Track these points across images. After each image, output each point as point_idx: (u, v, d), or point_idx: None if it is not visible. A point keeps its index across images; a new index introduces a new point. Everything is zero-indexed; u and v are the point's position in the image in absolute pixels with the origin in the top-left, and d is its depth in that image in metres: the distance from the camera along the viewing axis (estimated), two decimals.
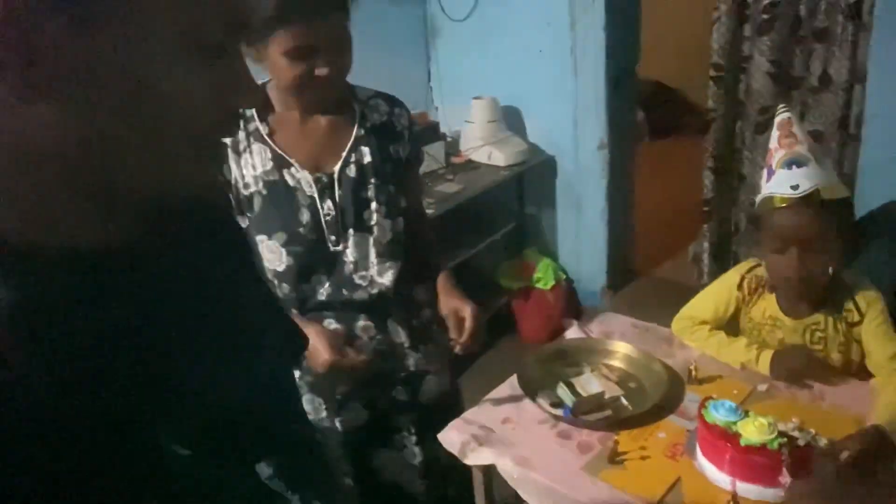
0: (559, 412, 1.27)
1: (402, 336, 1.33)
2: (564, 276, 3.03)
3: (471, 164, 2.82)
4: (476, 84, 2.95)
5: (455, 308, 1.27)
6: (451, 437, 1.27)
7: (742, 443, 1.05)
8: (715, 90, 2.64)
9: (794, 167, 1.25)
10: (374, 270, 1.27)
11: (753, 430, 1.05)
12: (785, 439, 1.04)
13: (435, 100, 3.23)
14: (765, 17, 2.43)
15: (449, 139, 2.99)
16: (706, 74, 2.65)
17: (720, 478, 1.08)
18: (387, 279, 1.28)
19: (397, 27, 2.90)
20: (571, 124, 2.89)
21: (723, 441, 1.07)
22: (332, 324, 1.27)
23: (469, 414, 1.32)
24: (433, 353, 1.37)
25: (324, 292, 1.26)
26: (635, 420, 1.24)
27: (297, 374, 1.27)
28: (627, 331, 1.56)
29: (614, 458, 1.16)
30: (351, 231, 1.25)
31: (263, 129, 1.22)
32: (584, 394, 1.28)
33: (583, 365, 1.42)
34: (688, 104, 4.93)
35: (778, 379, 1.31)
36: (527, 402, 1.31)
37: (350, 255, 1.25)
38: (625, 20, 2.76)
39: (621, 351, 1.43)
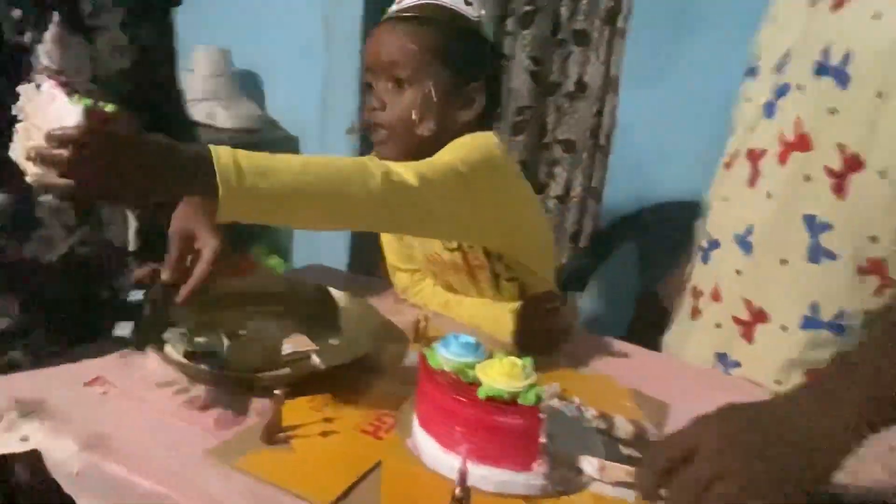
0: (200, 367, 0.75)
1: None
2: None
3: None
4: (211, 40, 2.41)
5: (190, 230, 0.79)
6: None
7: (481, 394, 0.62)
8: None
9: None
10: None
11: (500, 375, 0.63)
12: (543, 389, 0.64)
13: None
14: (527, 8, 2.29)
15: None
16: None
17: (444, 460, 0.64)
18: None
19: None
20: (319, 101, 2.47)
21: (452, 396, 0.64)
22: None
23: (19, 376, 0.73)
24: None
25: None
26: (325, 384, 0.77)
27: None
28: (340, 281, 1.11)
29: (273, 433, 0.66)
30: (55, 17, 0.78)
31: None
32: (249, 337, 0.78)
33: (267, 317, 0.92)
34: None
35: (523, 350, 0.93)
36: (143, 359, 0.76)
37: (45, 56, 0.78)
38: None
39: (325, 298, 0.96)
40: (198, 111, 2.23)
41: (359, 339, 0.87)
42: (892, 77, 0.78)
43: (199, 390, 0.73)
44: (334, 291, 0.97)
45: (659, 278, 1.30)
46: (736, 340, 0.96)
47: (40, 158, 0.57)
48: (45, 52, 0.80)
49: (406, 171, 0.76)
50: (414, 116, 0.90)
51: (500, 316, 0.95)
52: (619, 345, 0.99)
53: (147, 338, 0.79)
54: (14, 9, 0.78)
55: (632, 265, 1.97)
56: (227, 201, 0.61)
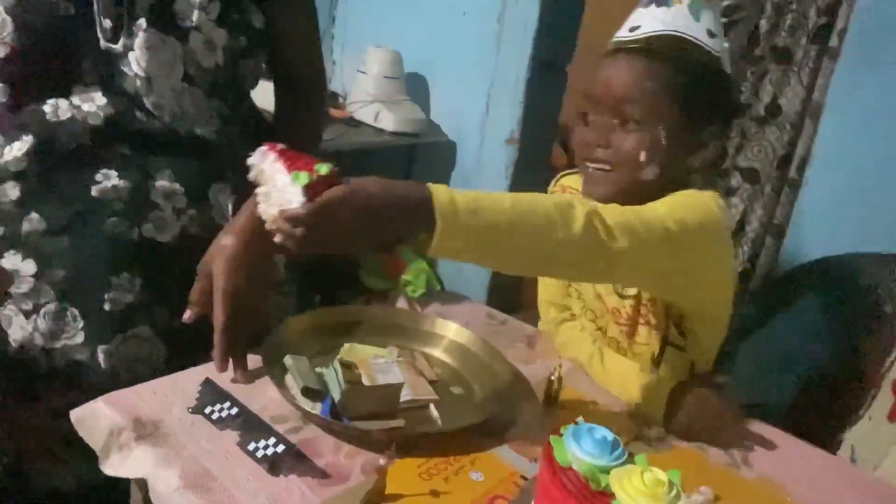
0: (313, 407, 0.72)
1: (230, 211, 0.91)
2: (439, 288, 2.50)
3: (352, 122, 2.27)
4: (384, 41, 2.45)
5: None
6: (99, 416, 0.68)
7: None
8: None
9: (652, 5, 0.82)
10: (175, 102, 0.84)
11: (639, 493, 0.52)
12: None
13: (334, 52, 2.70)
14: (723, 19, 2.07)
15: (341, 100, 2.45)
16: None
17: None
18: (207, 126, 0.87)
19: None
20: (482, 108, 2.43)
21: (579, 502, 0.54)
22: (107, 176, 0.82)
23: (143, 387, 0.74)
24: None
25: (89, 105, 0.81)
26: (438, 443, 0.70)
27: None
28: (478, 320, 1.04)
29: (375, 502, 0.60)
30: (143, 23, 0.79)
31: None
32: (368, 382, 0.73)
33: (389, 347, 0.87)
34: None
35: (677, 435, 0.81)
36: (269, 384, 0.74)
37: (137, 62, 0.80)
38: (566, 1, 2.35)
39: (452, 337, 0.90)
40: (366, 112, 2.28)
41: (484, 393, 0.79)
42: None
43: (312, 430, 0.70)
44: (464, 333, 0.90)
45: (839, 351, 1.09)
46: None
47: (277, 231, 0.60)
48: (136, 58, 0.81)
49: (612, 219, 0.69)
50: (642, 159, 0.81)
51: (652, 390, 0.83)
52: (789, 440, 0.83)
53: (270, 361, 0.77)
54: (105, 18, 0.79)
55: (804, 326, 1.70)
56: (443, 236, 0.61)
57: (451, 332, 0.90)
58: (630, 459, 0.56)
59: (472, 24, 2.38)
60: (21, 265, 0.82)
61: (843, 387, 0.98)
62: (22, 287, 0.81)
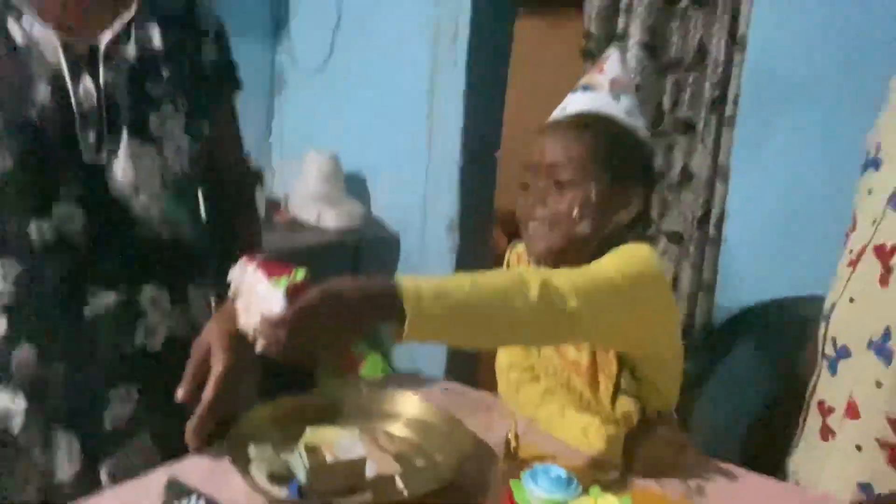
0: (280, 491, 0.73)
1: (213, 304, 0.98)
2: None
3: (295, 224, 2.34)
4: (321, 144, 2.56)
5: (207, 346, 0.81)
6: None
7: None
8: None
9: (580, 91, 0.99)
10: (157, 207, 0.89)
11: None
12: None
13: (274, 159, 2.80)
14: None
15: (282, 204, 2.52)
16: None
17: None
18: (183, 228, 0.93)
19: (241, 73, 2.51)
20: (421, 199, 2.54)
21: None
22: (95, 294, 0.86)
23: (107, 495, 0.74)
24: None
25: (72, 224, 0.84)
26: None
27: None
28: (436, 394, 1.07)
29: None
30: (125, 134, 0.84)
31: None
32: (331, 460, 0.75)
33: (350, 427, 0.90)
34: None
35: (636, 472, 0.85)
36: (234, 474, 0.75)
37: (122, 171, 0.86)
38: (488, 91, 2.54)
39: (412, 412, 0.93)
40: (307, 212, 2.35)
41: (447, 461, 0.82)
42: None
43: None
44: (423, 406, 0.93)
45: (780, 388, 1.17)
46: (881, 468, 0.82)
47: (261, 337, 0.65)
48: (121, 168, 0.86)
49: (562, 283, 0.76)
50: (575, 215, 0.92)
51: (612, 436, 0.88)
52: (738, 471, 0.88)
53: (233, 453, 0.78)
54: (90, 131, 0.84)
55: (747, 371, 1.79)
56: (413, 324, 0.66)
57: (410, 406, 0.94)
58: (585, 492, 0.60)
59: (404, 121, 2.53)
60: (12, 405, 0.84)
61: (789, 418, 1.05)
62: (15, 423, 0.82)
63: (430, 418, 0.91)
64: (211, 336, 0.81)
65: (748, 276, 2.01)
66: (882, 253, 0.84)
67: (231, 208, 1.05)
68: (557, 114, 0.99)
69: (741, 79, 1.99)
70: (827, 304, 0.94)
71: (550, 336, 0.82)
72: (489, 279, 0.74)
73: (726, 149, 2.12)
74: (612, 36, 2.23)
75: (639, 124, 0.99)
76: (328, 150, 2.46)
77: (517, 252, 1.11)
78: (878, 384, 0.83)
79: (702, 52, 2.12)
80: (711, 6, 2.08)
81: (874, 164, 0.91)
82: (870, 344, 0.84)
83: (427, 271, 2.54)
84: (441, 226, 2.52)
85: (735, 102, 2.08)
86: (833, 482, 0.87)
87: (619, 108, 0.97)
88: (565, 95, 1.03)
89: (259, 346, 0.66)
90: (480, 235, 2.66)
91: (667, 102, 2.25)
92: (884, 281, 0.83)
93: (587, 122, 0.95)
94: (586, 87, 1.00)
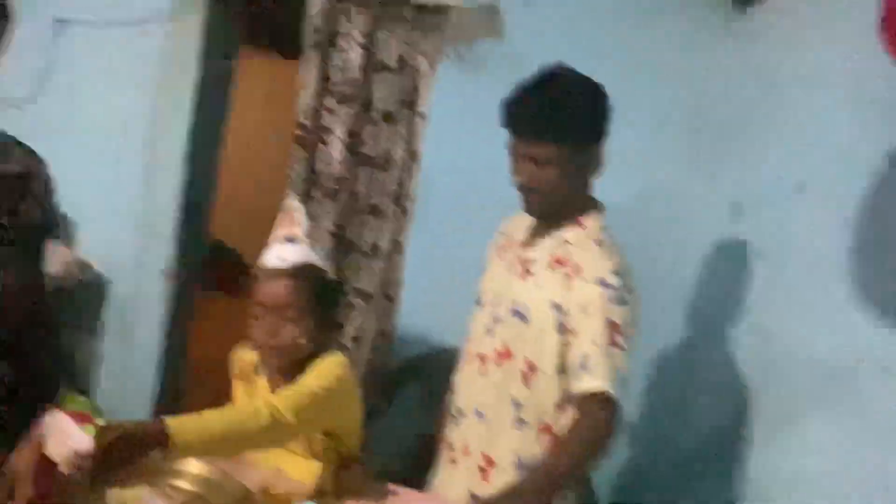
0: None
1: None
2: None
3: None
4: None
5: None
6: None
7: None
8: None
9: (287, 244, 1.40)
10: None
11: None
12: None
13: None
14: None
15: None
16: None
17: None
18: None
19: None
20: (136, 247, 2.64)
21: None
22: None
23: None
24: None
25: None
26: None
27: None
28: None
29: None
30: None
31: None
32: None
33: (141, 486, 1.21)
34: (243, 265, 4.74)
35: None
36: None
37: None
38: (209, 138, 2.77)
39: (191, 470, 1.28)
40: None
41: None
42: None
43: None
44: (199, 464, 1.28)
45: (432, 422, 1.77)
46: (479, 483, 1.45)
47: (71, 469, 0.93)
48: None
49: (282, 405, 1.21)
50: (301, 341, 1.36)
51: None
52: (401, 490, 1.41)
53: None
54: None
55: (412, 407, 2.41)
56: (182, 450, 1.09)
57: (188, 465, 1.28)
58: None
59: (120, 168, 2.60)
60: None
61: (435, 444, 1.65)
62: None
63: (206, 473, 1.27)
64: (26, 456, 1.04)
65: (419, 328, 2.58)
66: (482, 359, 1.48)
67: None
68: (276, 262, 1.36)
69: (415, 180, 2.62)
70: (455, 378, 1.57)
71: (278, 442, 1.31)
72: (235, 412, 1.28)
73: (405, 230, 2.72)
74: (320, 127, 2.66)
75: (328, 266, 1.49)
76: None
77: (239, 357, 1.49)
78: (479, 436, 1.45)
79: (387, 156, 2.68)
80: (394, 122, 2.65)
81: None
82: (475, 411, 1.47)
83: (138, 318, 2.68)
84: (154, 272, 2.66)
85: (412, 202, 2.66)
86: (457, 494, 1.46)
87: (317, 257, 1.43)
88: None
89: (66, 470, 0.96)
90: (193, 284, 2.88)
91: (361, 189, 2.76)
92: (483, 372, 1.47)
93: (303, 271, 1.36)
94: (290, 239, 1.40)
